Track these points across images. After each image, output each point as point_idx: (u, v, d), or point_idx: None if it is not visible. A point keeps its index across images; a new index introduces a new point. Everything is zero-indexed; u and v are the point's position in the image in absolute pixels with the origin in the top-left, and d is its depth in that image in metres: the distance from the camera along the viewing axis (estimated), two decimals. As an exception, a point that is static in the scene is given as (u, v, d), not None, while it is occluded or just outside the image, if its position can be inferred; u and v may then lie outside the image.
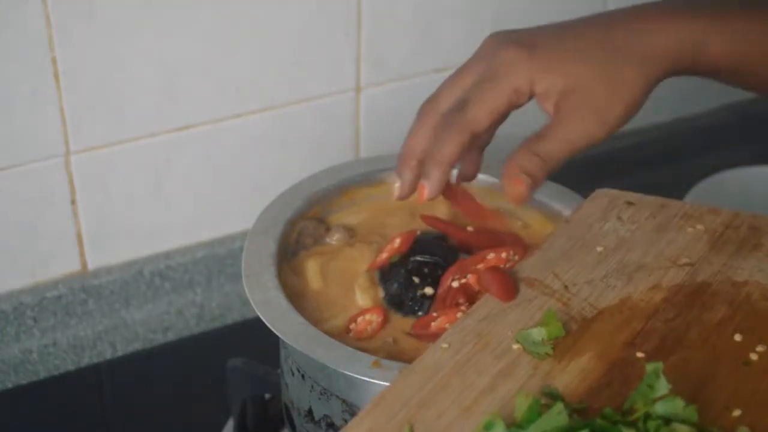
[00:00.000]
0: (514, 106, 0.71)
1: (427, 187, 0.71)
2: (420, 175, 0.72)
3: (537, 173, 0.71)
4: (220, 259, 1.05)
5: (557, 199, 0.85)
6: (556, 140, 0.71)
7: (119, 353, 1.02)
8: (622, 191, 0.80)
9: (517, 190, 0.70)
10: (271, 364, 0.86)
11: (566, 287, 0.71)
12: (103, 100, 0.94)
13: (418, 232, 0.80)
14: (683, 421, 0.59)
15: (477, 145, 0.76)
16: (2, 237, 0.96)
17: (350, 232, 0.84)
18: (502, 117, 0.72)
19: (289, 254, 0.81)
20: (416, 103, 1.10)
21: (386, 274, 0.79)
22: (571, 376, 0.64)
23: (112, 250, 1.01)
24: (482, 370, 0.64)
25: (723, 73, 0.77)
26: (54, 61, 0.90)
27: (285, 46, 0.99)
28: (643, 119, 1.23)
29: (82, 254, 1.00)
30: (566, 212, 0.83)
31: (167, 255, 1.03)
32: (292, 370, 0.77)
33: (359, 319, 0.76)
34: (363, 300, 0.77)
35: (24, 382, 0.99)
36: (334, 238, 0.83)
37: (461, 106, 0.70)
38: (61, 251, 0.99)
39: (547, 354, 0.65)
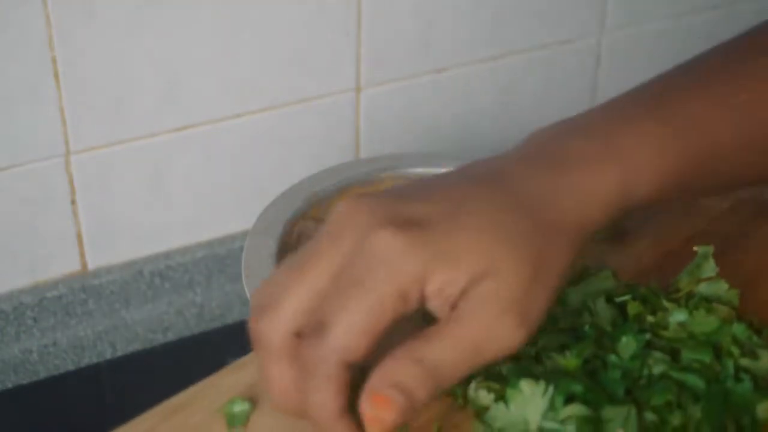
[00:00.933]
0: (399, 315, 0.49)
1: None
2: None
3: (416, 389, 0.48)
4: (220, 259, 1.05)
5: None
6: (451, 342, 0.49)
7: (119, 353, 1.02)
8: None
9: (379, 415, 0.48)
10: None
11: None
12: (103, 100, 0.94)
13: None
14: (725, 303, 0.60)
15: None
16: (2, 237, 0.96)
17: (350, 232, 0.84)
18: (384, 330, 0.50)
19: (289, 254, 0.81)
20: (416, 103, 1.11)
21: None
22: (626, 256, 0.66)
23: (112, 250, 1.01)
24: None
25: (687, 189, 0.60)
26: (54, 61, 0.90)
27: (285, 46, 0.99)
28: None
29: (82, 254, 1.00)
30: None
31: (167, 255, 1.03)
32: (292, 370, 0.77)
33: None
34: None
35: (24, 382, 0.99)
36: (334, 238, 0.83)
37: (321, 330, 0.49)
38: (61, 251, 0.99)
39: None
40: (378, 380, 0.48)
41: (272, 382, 0.51)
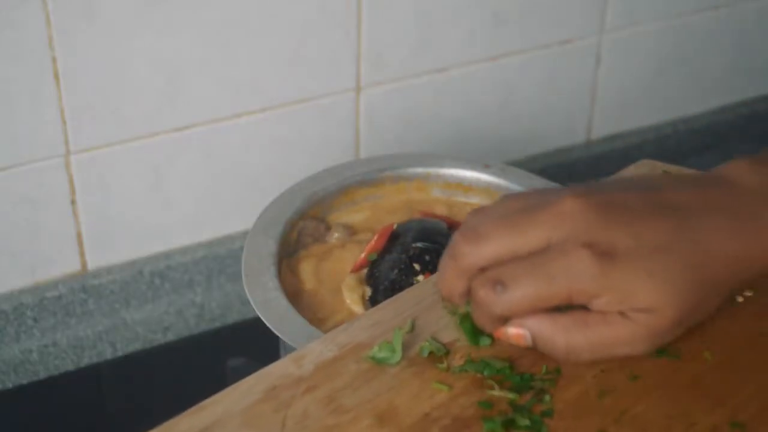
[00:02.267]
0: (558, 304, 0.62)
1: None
2: None
3: (547, 345, 0.62)
4: (220, 259, 1.05)
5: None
6: (595, 333, 0.61)
7: (119, 353, 1.02)
8: (664, 163, 0.79)
9: (513, 341, 0.62)
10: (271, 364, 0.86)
11: None
12: (103, 100, 0.94)
13: (395, 226, 0.80)
14: None
15: None
16: (2, 237, 0.96)
17: (350, 231, 0.84)
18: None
19: (289, 254, 0.81)
20: (416, 103, 1.11)
21: (378, 266, 0.78)
22: None
23: (112, 250, 1.01)
24: None
25: None
26: (54, 60, 0.90)
27: (285, 46, 0.99)
28: (644, 119, 1.23)
29: (82, 254, 1.00)
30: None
31: (167, 255, 1.03)
32: (292, 370, 0.77)
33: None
34: (351, 299, 0.77)
35: (24, 382, 0.99)
36: (334, 238, 0.83)
37: (502, 284, 0.60)
38: (61, 251, 0.99)
39: None
40: (527, 322, 0.61)
41: (446, 283, 0.63)
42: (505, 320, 0.62)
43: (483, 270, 0.61)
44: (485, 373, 0.61)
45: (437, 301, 0.66)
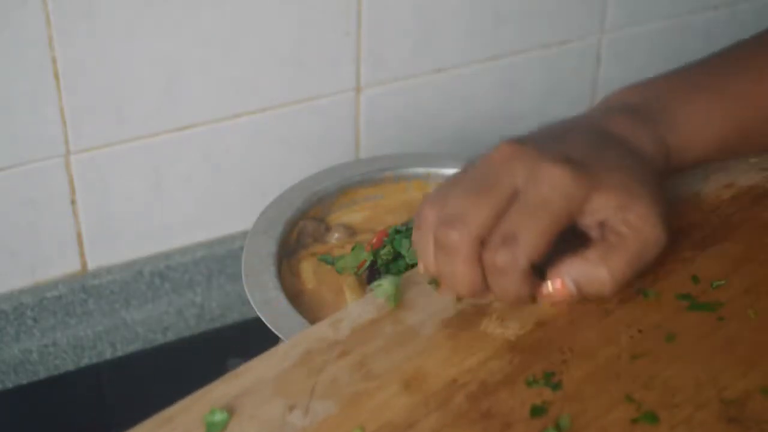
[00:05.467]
0: (564, 228, 0.64)
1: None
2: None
3: (586, 286, 0.64)
4: (220, 259, 1.05)
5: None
6: (619, 254, 0.64)
7: (119, 353, 1.02)
8: None
9: (552, 295, 0.65)
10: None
11: None
12: (103, 100, 0.94)
13: (390, 228, 0.80)
14: None
15: None
16: (2, 237, 0.96)
17: (350, 231, 0.84)
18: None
19: (289, 254, 0.81)
20: (416, 103, 1.11)
21: (376, 273, 0.79)
22: None
23: (112, 250, 1.01)
24: None
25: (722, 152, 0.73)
26: (54, 60, 0.90)
27: (285, 46, 0.99)
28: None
29: (82, 254, 1.00)
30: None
31: (167, 255, 1.03)
32: (292, 370, 0.77)
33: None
34: (351, 300, 0.77)
35: (24, 382, 0.99)
36: (334, 238, 0.83)
37: (510, 240, 0.62)
38: (61, 251, 0.99)
39: None
40: (563, 270, 0.64)
41: (459, 278, 0.63)
42: (534, 276, 0.63)
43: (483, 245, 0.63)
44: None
45: None
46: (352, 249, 0.80)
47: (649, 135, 0.69)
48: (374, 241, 0.81)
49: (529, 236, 0.62)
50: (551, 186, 0.62)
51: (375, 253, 0.79)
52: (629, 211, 0.64)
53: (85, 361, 1.01)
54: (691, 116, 0.71)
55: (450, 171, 0.88)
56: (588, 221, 0.65)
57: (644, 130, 0.69)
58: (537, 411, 0.58)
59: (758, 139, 0.74)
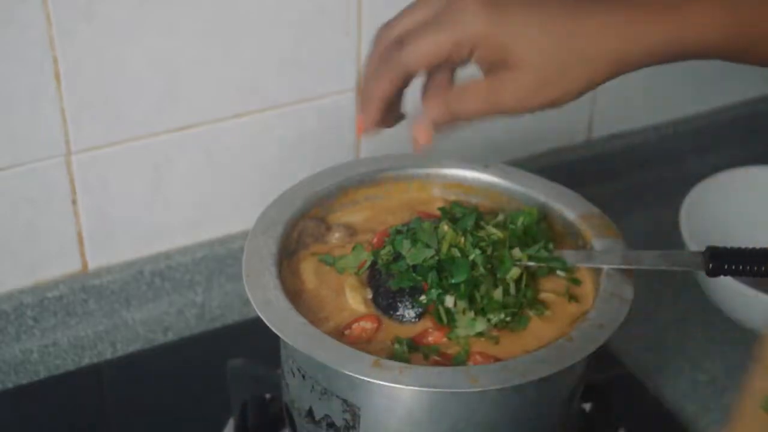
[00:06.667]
0: (452, 60, 0.69)
1: (364, 121, 0.73)
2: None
3: (442, 126, 0.71)
4: (220, 259, 1.05)
5: (557, 199, 0.85)
6: (479, 102, 0.70)
7: (119, 353, 1.02)
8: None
9: (418, 137, 0.72)
10: (271, 364, 0.86)
11: None
12: (103, 100, 0.94)
13: (391, 228, 0.80)
14: None
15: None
16: (2, 237, 0.96)
17: (350, 231, 0.84)
18: (440, 64, 0.70)
19: (289, 254, 0.81)
20: (416, 103, 1.10)
21: (377, 273, 0.79)
22: None
23: (112, 250, 1.01)
24: None
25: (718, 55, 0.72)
26: (54, 60, 0.90)
27: (285, 46, 0.99)
28: (644, 119, 1.23)
29: (82, 254, 1.00)
30: (566, 212, 0.84)
31: (167, 255, 1.03)
32: (292, 371, 0.77)
33: (354, 326, 0.76)
34: (353, 299, 0.77)
35: (24, 382, 0.99)
36: (335, 238, 0.83)
37: (402, 43, 0.69)
38: (61, 251, 0.99)
39: None
40: (423, 118, 0.71)
41: (367, 61, 0.72)
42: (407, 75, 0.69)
43: None
44: None
45: None
46: (353, 249, 0.80)
47: (623, 22, 0.68)
48: (374, 241, 0.81)
49: (411, 47, 0.68)
50: (453, 10, 0.67)
51: (375, 253, 0.79)
52: (502, 55, 0.67)
53: (85, 361, 1.01)
54: (699, 7, 0.69)
55: (450, 171, 0.88)
56: (478, 60, 0.68)
57: (620, 16, 0.68)
58: None
59: (754, 51, 0.72)
